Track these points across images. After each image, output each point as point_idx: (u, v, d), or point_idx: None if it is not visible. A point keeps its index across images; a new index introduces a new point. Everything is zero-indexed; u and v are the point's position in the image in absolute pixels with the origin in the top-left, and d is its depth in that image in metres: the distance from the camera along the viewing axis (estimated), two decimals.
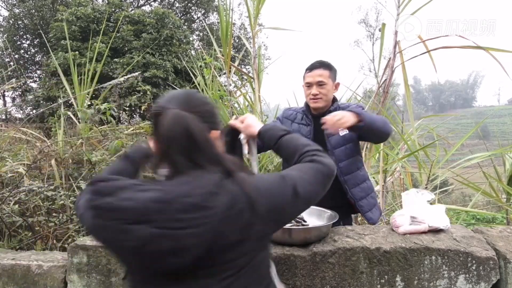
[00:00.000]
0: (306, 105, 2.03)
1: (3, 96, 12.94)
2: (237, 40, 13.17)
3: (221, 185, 0.82)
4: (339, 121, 1.60)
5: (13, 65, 11.11)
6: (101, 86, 3.78)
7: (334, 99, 2.04)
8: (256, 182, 0.87)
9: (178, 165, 0.85)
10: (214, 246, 0.81)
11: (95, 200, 0.80)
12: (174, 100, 0.93)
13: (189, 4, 17.22)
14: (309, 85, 1.97)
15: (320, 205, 1.70)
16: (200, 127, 0.87)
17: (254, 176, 0.90)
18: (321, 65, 1.96)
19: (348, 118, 1.61)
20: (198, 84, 4.04)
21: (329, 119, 1.60)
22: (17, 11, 14.34)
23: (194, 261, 0.80)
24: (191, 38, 14.06)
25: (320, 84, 1.93)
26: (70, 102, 3.75)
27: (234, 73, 4.20)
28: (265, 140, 1.28)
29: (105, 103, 3.30)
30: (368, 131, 1.70)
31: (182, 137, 0.84)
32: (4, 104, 12.95)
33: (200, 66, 4.04)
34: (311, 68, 1.98)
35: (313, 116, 1.99)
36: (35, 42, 14.93)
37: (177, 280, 0.84)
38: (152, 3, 17.62)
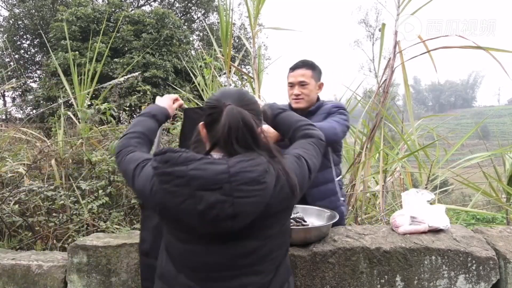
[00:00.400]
0: (290, 105, 2.01)
1: (3, 96, 12.95)
2: (237, 40, 13.16)
3: (269, 164, 0.97)
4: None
5: (13, 65, 11.11)
6: (101, 86, 3.77)
7: (318, 99, 2.01)
8: (288, 164, 1.03)
9: (235, 151, 0.98)
10: (261, 215, 0.97)
11: (165, 168, 0.94)
12: (229, 97, 1.06)
13: (189, 4, 17.22)
14: (291, 85, 1.95)
15: None
16: (256, 123, 1.02)
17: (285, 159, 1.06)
18: (304, 64, 1.93)
19: (271, 136, 1.56)
20: (198, 84, 4.03)
21: None
22: (17, 11, 14.34)
23: (243, 226, 0.96)
24: (191, 38, 14.06)
25: (302, 84, 1.91)
26: (70, 102, 3.75)
27: (234, 73, 4.20)
28: (264, 118, 1.42)
29: (105, 103, 3.30)
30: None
31: (240, 129, 0.98)
32: (4, 104, 12.95)
33: (200, 66, 4.04)
34: (293, 67, 1.95)
35: None
36: (35, 42, 14.93)
37: (220, 240, 1.00)
38: (152, 3, 17.62)
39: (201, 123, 1.11)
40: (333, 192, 1.96)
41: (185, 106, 1.61)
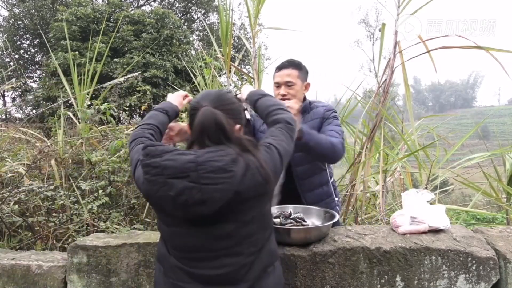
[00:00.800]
0: None
1: (3, 96, 12.95)
2: (237, 40, 13.16)
3: (239, 155, 1.06)
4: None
5: (13, 65, 11.11)
6: (101, 86, 3.77)
7: (304, 98, 1.99)
8: (264, 156, 1.12)
9: (207, 147, 1.09)
10: (233, 201, 1.05)
11: (146, 160, 1.06)
12: (207, 98, 1.17)
13: (189, 4, 17.21)
14: (277, 85, 1.92)
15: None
16: (226, 121, 1.10)
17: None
18: (290, 64, 1.91)
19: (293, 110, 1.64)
20: (198, 84, 4.03)
21: None
22: (17, 11, 14.34)
23: (216, 211, 1.04)
24: (191, 38, 14.05)
25: (288, 84, 1.88)
26: (70, 102, 3.75)
27: (234, 73, 4.19)
28: (249, 104, 1.52)
29: (105, 103, 3.30)
30: (307, 149, 1.70)
31: (211, 128, 1.09)
32: (4, 104, 12.95)
33: (200, 66, 4.04)
34: (280, 67, 1.93)
35: None
36: (35, 42, 14.93)
37: (199, 223, 1.09)
38: (152, 3, 17.61)
39: (187, 123, 1.22)
40: (328, 194, 1.96)
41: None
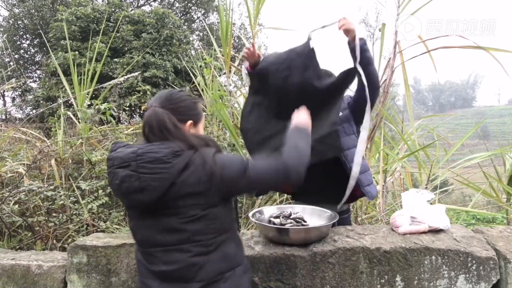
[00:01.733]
0: None
1: (3, 96, 12.94)
2: (237, 40, 13.14)
3: (182, 151, 1.13)
4: (350, 25, 1.78)
5: (13, 65, 11.11)
6: (101, 86, 3.78)
7: None
8: (216, 155, 1.16)
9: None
10: (171, 193, 1.12)
11: (108, 155, 1.20)
12: (158, 99, 1.23)
13: (189, 4, 17.20)
14: None
15: (323, 184, 1.82)
16: (170, 119, 1.18)
17: (216, 151, 1.19)
18: None
19: (354, 29, 1.80)
20: (198, 84, 4.03)
21: (344, 22, 1.79)
22: (17, 11, 14.32)
23: (156, 202, 1.13)
24: (191, 38, 14.03)
25: None
26: (70, 102, 3.75)
27: (234, 73, 4.19)
28: None
29: (105, 103, 3.30)
30: (363, 59, 1.83)
31: (154, 127, 1.18)
32: (4, 104, 12.95)
33: (200, 66, 4.04)
34: None
35: None
36: (35, 42, 14.91)
37: (147, 215, 1.18)
38: (152, 3, 17.59)
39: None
40: (367, 167, 2.03)
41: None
